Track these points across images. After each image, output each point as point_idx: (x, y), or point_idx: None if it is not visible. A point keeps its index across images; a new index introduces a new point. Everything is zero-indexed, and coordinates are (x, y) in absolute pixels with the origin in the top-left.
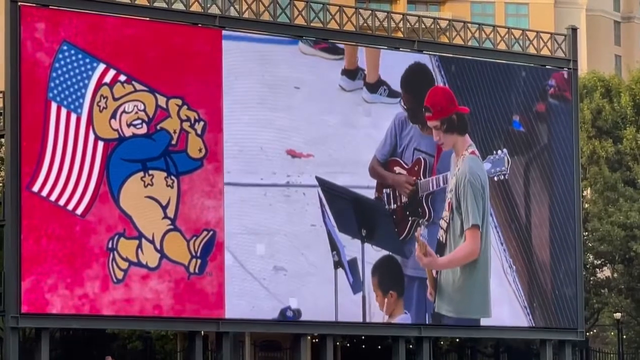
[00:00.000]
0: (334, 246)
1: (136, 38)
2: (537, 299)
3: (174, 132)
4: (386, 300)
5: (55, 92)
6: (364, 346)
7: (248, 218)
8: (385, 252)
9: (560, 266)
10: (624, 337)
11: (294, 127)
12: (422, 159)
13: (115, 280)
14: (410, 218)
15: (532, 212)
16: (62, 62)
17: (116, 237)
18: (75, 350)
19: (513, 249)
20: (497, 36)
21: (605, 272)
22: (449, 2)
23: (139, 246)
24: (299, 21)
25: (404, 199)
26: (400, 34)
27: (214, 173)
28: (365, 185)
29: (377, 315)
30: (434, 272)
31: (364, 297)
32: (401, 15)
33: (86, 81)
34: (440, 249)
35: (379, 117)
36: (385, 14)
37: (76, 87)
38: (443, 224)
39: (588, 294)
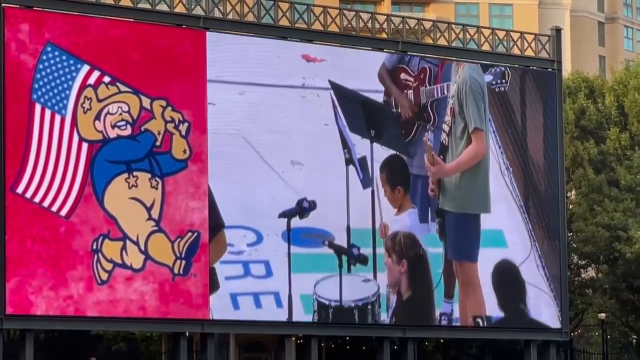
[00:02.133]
0: (345, 145)
1: (120, 39)
2: (532, 199)
3: (159, 133)
4: (394, 195)
5: (40, 93)
6: (348, 347)
7: (267, 118)
8: (392, 152)
9: (552, 168)
10: (609, 337)
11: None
12: (427, 68)
13: (99, 281)
14: (416, 122)
15: (527, 118)
16: (47, 64)
17: (100, 239)
18: (60, 351)
19: (510, 152)
20: (481, 37)
21: (590, 273)
22: (433, 3)
23: (124, 247)
24: (283, 22)
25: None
26: (384, 35)
27: (199, 174)
28: (373, 90)
29: (387, 209)
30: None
31: (372, 192)
32: (385, 16)
33: (70, 82)
34: (443, 151)
35: None
36: (370, 15)
37: (60, 88)
38: (445, 127)
39: (572, 294)
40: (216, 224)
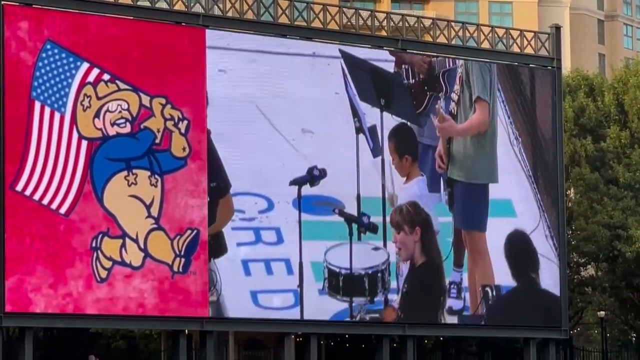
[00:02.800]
0: (355, 113)
1: (120, 37)
2: (541, 170)
3: (158, 131)
4: (402, 163)
5: (39, 91)
6: (347, 345)
7: (277, 86)
8: (401, 120)
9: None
10: (608, 335)
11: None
12: None
13: (99, 279)
14: (428, 93)
15: (536, 91)
16: (46, 61)
17: (100, 236)
18: (59, 349)
19: (519, 122)
20: (480, 35)
21: (590, 271)
22: (432, 0)
23: (123, 245)
24: (283, 20)
25: (422, 76)
26: (384, 33)
27: (198, 172)
28: (384, 59)
29: (396, 178)
30: (445, 140)
31: (382, 161)
32: (385, 14)
33: (70, 80)
34: (453, 119)
35: None
36: (369, 12)
37: (60, 86)
38: (454, 96)
39: (572, 292)
40: (223, 187)
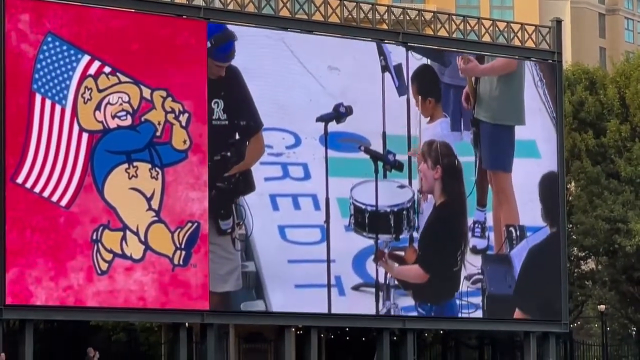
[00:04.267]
0: (381, 52)
1: (121, 30)
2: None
3: (159, 123)
4: (425, 105)
5: (40, 83)
6: (348, 338)
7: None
8: (425, 61)
9: None
10: (608, 329)
11: None
12: None
13: (99, 271)
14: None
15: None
16: (47, 54)
17: (100, 229)
18: (60, 342)
19: (543, 64)
20: (481, 28)
21: (590, 265)
22: None
23: (124, 238)
24: (284, 13)
25: None
26: (385, 26)
27: (199, 165)
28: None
29: (419, 118)
30: (473, 80)
31: (407, 99)
32: (386, 7)
33: (71, 73)
34: (481, 60)
35: None
36: (370, 6)
37: (61, 78)
38: None
39: (572, 286)
40: (253, 125)
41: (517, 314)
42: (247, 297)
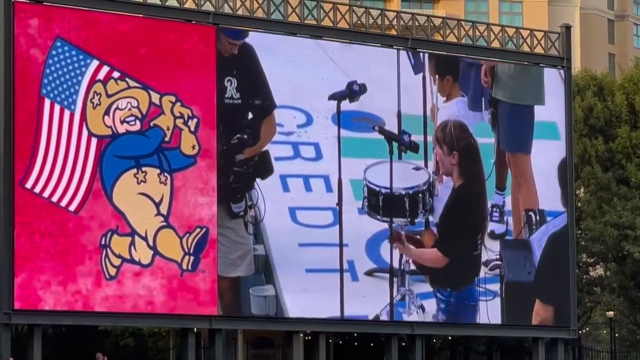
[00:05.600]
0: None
1: (130, 34)
2: None
3: (168, 128)
4: (443, 83)
5: (49, 88)
6: (356, 343)
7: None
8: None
9: None
10: (617, 335)
11: None
12: None
13: (108, 276)
14: None
15: None
16: (56, 59)
17: (109, 234)
18: (68, 346)
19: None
20: (490, 34)
21: (598, 271)
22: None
23: (132, 243)
24: (293, 18)
25: None
26: (393, 32)
27: (207, 170)
28: None
29: (436, 97)
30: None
31: (423, 78)
32: (395, 13)
33: (80, 77)
34: None
35: None
36: (379, 11)
37: (70, 83)
38: None
39: (581, 292)
40: (267, 104)
41: (537, 305)
42: (256, 281)
